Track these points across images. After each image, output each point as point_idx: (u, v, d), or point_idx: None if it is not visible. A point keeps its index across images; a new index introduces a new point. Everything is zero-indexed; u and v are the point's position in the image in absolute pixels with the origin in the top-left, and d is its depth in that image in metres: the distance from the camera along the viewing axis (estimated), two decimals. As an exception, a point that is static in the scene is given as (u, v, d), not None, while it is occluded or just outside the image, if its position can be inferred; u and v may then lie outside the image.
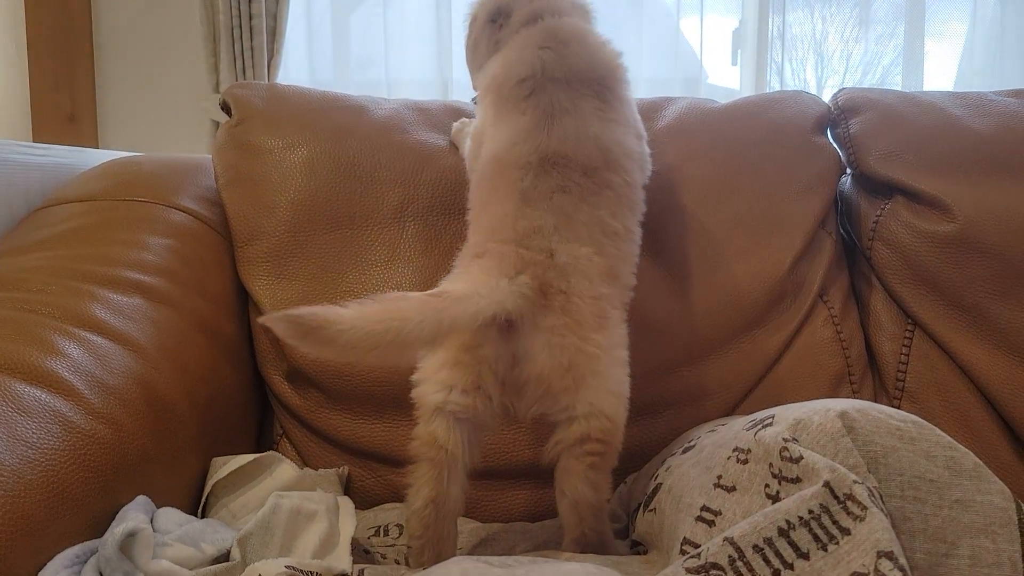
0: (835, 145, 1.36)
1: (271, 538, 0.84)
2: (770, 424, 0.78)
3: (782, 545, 0.65)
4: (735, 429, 0.83)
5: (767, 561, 0.65)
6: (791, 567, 0.65)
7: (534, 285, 0.85)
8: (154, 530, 0.81)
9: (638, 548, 0.93)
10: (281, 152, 1.24)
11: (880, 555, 0.62)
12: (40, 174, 1.28)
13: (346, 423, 1.15)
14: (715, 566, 0.66)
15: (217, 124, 2.48)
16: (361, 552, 0.97)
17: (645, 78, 2.68)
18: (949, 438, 0.74)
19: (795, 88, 2.64)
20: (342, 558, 0.86)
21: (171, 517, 0.85)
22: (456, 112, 1.34)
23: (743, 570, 0.65)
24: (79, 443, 0.81)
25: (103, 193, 1.21)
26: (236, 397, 1.14)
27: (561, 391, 0.85)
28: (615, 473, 0.89)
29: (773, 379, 1.21)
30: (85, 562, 0.75)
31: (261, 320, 0.78)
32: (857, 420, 0.73)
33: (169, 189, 1.24)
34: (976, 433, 1.18)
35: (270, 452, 1.06)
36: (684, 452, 0.91)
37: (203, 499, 0.99)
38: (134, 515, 0.80)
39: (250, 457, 1.02)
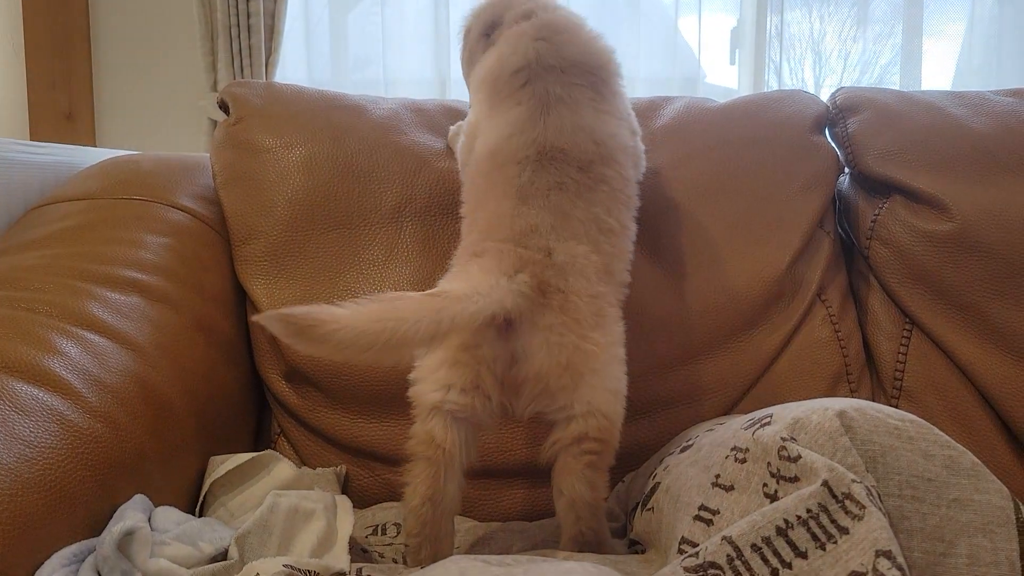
0: (833, 144, 1.36)
1: (269, 537, 0.84)
2: (768, 423, 0.78)
3: (780, 544, 0.66)
4: (733, 428, 0.83)
5: (765, 560, 0.65)
6: (789, 566, 0.65)
7: (533, 284, 0.85)
8: (152, 529, 0.81)
9: (636, 547, 0.93)
10: (279, 151, 1.23)
11: (878, 554, 0.62)
12: (38, 172, 1.27)
13: (344, 422, 1.15)
14: (713, 565, 0.66)
15: (215, 123, 2.48)
16: (359, 551, 0.97)
17: (643, 77, 2.68)
18: (947, 437, 0.74)
19: (793, 87, 2.65)
20: (340, 557, 0.86)
21: (169, 516, 0.85)
22: (453, 112, 1.34)
23: (741, 569, 0.65)
24: (77, 442, 0.81)
25: (101, 191, 1.20)
26: (234, 396, 1.14)
27: (559, 389, 0.85)
28: (613, 472, 0.89)
29: (771, 378, 1.21)
30: (83, 561, 0.75)
31: (255, 318, 0.78)
32: (855, 419, 0.73)
33: (167, 188, 1.23)
34: (974, 432, 1.18)
35: (268, 451, 1.06)
36: (682, 451, 0.91)
37: (201, 498, 0.99)
38: (132, 514, 0.80)
39: (248, 456, 1.02)
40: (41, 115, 2.61)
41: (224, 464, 1.00)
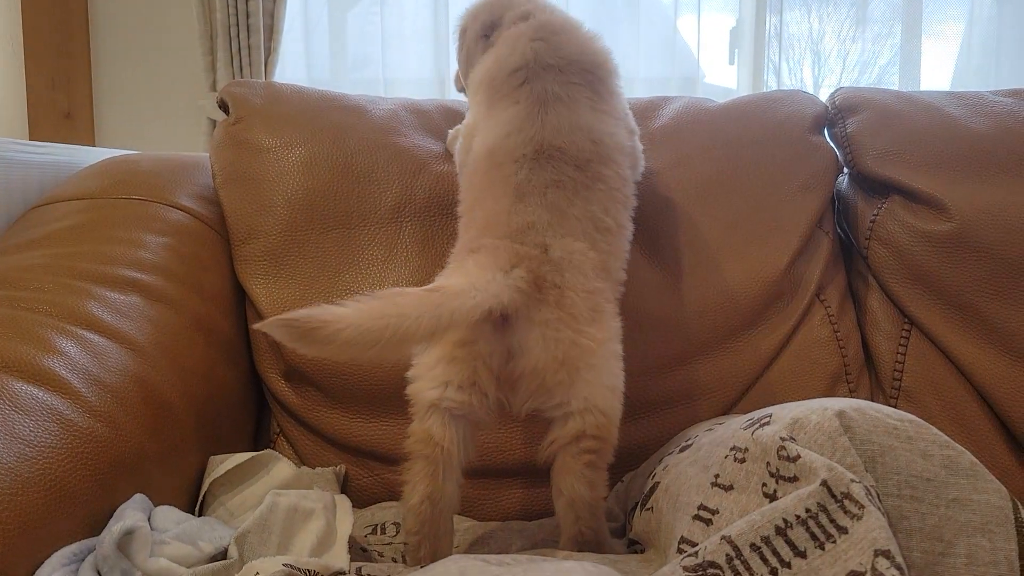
0: (832, 144, 1.36)
1: (269, 536, 0.84)
2: (768, 423, 0.78)
3: (779, 544, 0.66)
4: (732, 428, 0.84)
5: (764, 560, 0.65)
6: (788, 566, 0.65)
7: (529, 279, 0.86)
8: (152, 528, 0.81)
9: (635, 547, 0.93)
10: (279, 151, 1.24)
11: (877, 553, 0.62)
12: (38, 172, 1.27)
13: (343, 422, 1.15)
14: (713, 564, 0.66)
15: (214, 122, 2.48)
16: (358, 550, 0.97)
17: (642, 77, 2.69)
18: (946, 437, 0.74)
19: (792, 87, 2.65)
20: (339, 556, 0.86)
21: (169, 515, 0.85)
22: (452, 113, 1.34)
23: (741, 569, 0.65)
24: (76, 441, 0.81)
25: (100, 191, 1.20)
26: (233, 395, 1.14)
27: (555, 385, 0.85)
28: (612, 471, 0.89)
29: (770, 378, 1.21)
30: (83, 560, 0.75)
31: (258, 326, 0.78)
32: (854, 419, 0.73)
33: (166, 187, 1.23)
34: (972, 432, 1.18)
35: (267, 450, 1.06)
36: (681, 451, 0.91)
37: (200, 497, 0.99)
38: (132, 513, 0.80)
39: (247, 455, 1.02)
40: (40, 115, 2.61)
41: (223, 463, 1.00)
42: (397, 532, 1.02)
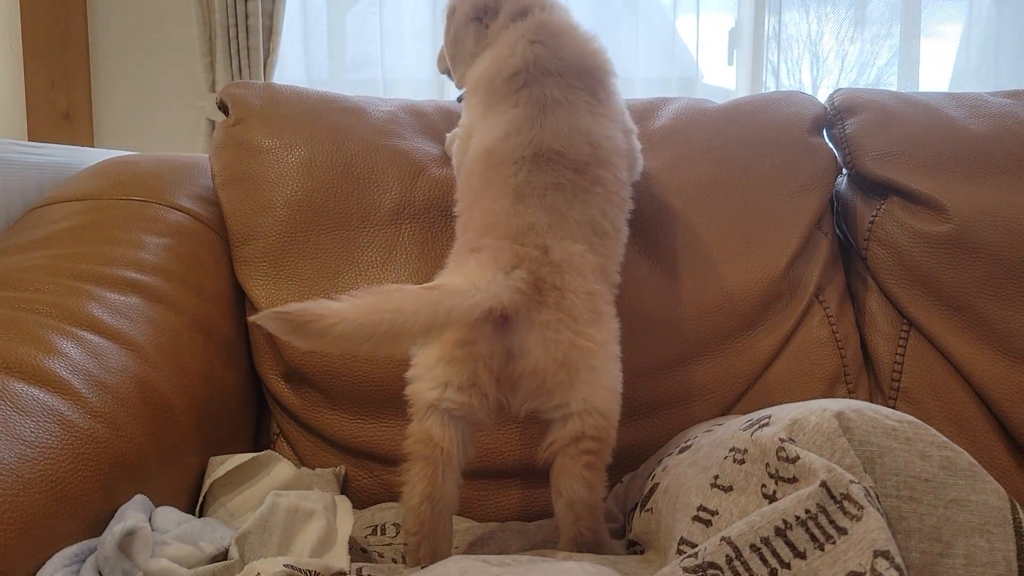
0: (831, 145, 1.36)
1: (269, 537, 0.84)
2: (767, 424, 0.78)
3: (779, 545, 0.66)
4: (732, 429, 0.84)
5: (764, 560, 0.65)
6: (788, 566, 0.65)
7: (529, 280, 0.86)
8: (153, 529, 0.81)
9: (635, 548, 0.93)
10: (278, 152, 1.24)
11: (877, 554, 0.62)
12: (37, 173, 1.27)
13: (343, 423, 1.15)
14: (712, 565, 0.66)
15: (213, 123, 2.48)
16: (358, 551, 0.97)
17: (641, 77, 2.68)
18: (944, 438, 0.74)
19: (790, 88, 2.65)
20: (340, 556, 0.86)
21: (169, 516, 0.85)
22: (451, 115, 1.34)
23: (740, 569, 0.66)
24: (77, 442, 0.81)
25: (100, 192, 1.21)
26: (233, 396, 1.14)
27: (555, 386, 0.85)
28: (611, 472, 0.89)
29: (769, 378, 1.21)
30: (84, 560, 0.75)
31: (252, 318, 0.78)
32: (853, 420, 0.73)
33: (166, 188, 1.23)
34: (971, 433, 1.18)
35: (267, 451, 1.07)
36: (681, 452, 0.91)
37: (201, 498, 0.99)
38: (133, 514, 0.80)
39: (248, 456, 1.02)
40: (39, 115, 2.61)
41: (224, 464, 1.00)
42: (397, 533, 1.02)
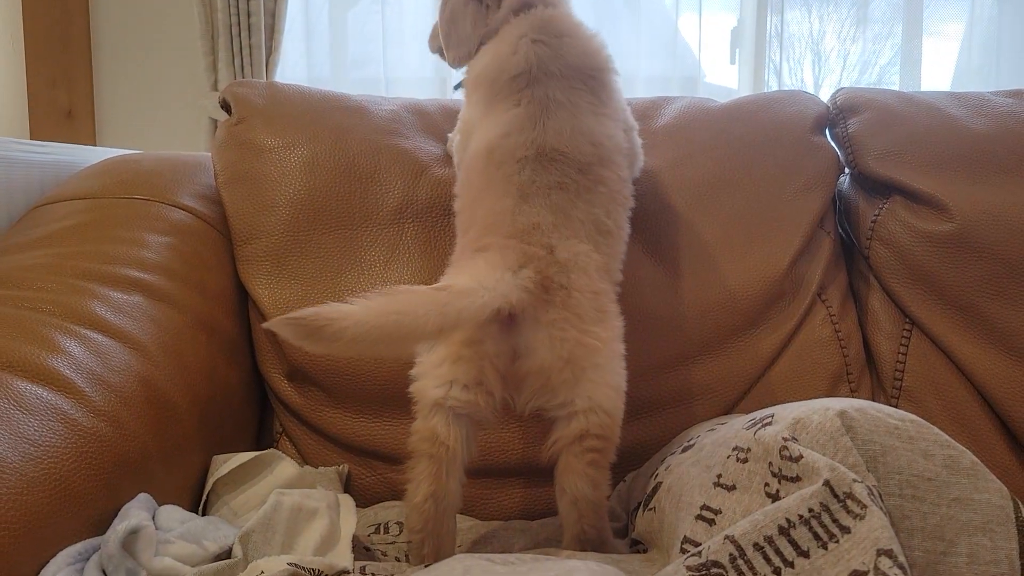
0: (834, 145, 1.36)
1: (273, 535, 0.84)
2: (769, 423, 0.79)
3: (782, 543, 0.66)
4: (735, 428, 0.84)
5: (768, 559, 0.66)
6: (791, 565, 0.65)
7: (537, 279, 0.86)
8: (156, 527, 0.81)
9: (638, 547, 0.93)
10: (281, 151, 1.24)
11: (880, 553, 0.62)
12: (39, 171, 1.28)
13: (346, 421, 1.15)
14: (716, 564, 0.66)
15: (215, 122, 2.48)
16: (362, 549, 0.97)
17: (643, 76, 2.68)
18: (947, 437, 0.74)
19: (792, 87, 2.65)
20: (343, 555, 0.86)
21: (173, 515, 0.86)
22: (454, 114, 1.34)
23: (744, 568, 0.66)
24: (81, 441, 0.81)
25: (103, 190, 1.21)
26: (236, 395, 1.14)
27: (560, 384, 0.86)
28: (614, 471, 0.89)
29: (771, 377, 1.21)
30: (88, 559, 0.75)
31: (265, 325, 0.78)
32: (856, 419, 0.73)
33: (169, 187, 1.24)
34: (973, 432, 1.18)
35: (270, 450, 1.07)
36: (683, 451, 0.91)
37: (204, 497, 0.99)
38: (136, 512, 0.80)
39: (251, 455, 1.02)
40: (41, 114, 2.60)
41: (227, 463, 1.00)
42: (400, 531, 1.02)
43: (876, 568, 0.62)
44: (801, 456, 0.71)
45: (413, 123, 1.31)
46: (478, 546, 1.02)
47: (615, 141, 0.99)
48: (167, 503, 0.89)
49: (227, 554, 0.83)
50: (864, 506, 0.65)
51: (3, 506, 0.70)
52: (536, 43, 0.99)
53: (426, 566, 0.81)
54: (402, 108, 1.34)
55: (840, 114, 1.36)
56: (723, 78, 2.79)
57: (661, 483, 0.90)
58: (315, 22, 2.75)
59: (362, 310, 0.75)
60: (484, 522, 1.10)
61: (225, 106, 1.31)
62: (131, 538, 0.76)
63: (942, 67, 2.76)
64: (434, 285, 0.83)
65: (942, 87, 2.76)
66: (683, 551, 0.76)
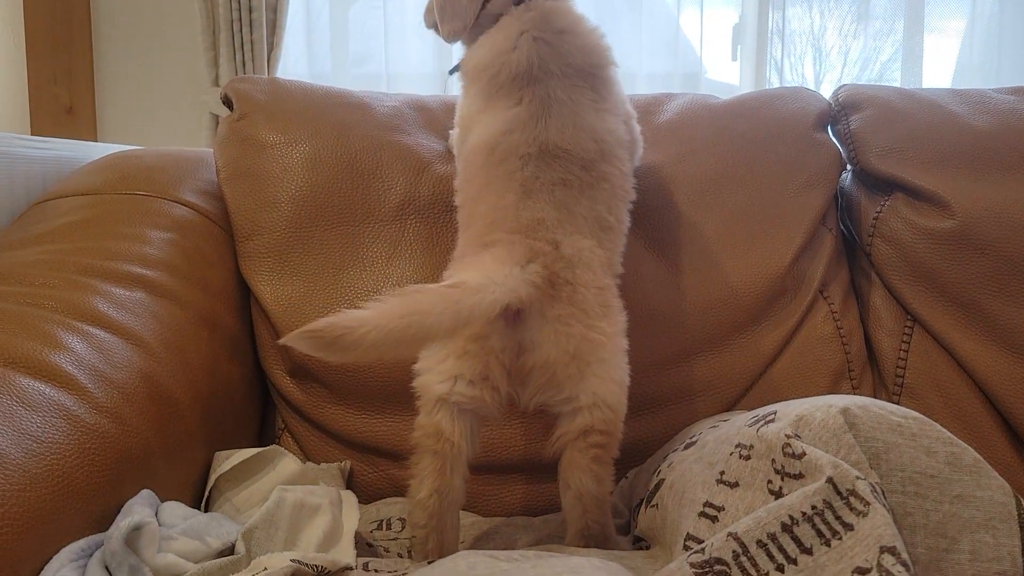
0: (835, 141, 1.36)
1: (275, 532, 0.84)
2: (772, 420, 0.79)
3: (785, 540, 0.66)
4: (737, 425, 0.84)
5: (771, 556, 0.66)
6: (795, 562, 0.65)
7: (544, 274, 0.86)
8: (159, 524, 0.81)
9: (640, 543, 0.94)
10: (283, 147, 1.24)
11: (883, 550, 0.62)
12: (40, 167, 1.27)
13: (348, 417, 1.15)
14: (719, 561, 0.66)
15: (216, 118, 2.48)
16: (364, 546, 0.97)
17: (644, 73, 2.68)
18: (949, 434, 0.74)
19: (793, 84, 2.64)
20: (346, 551, 0.86)
21: (176, 511, 0.86)
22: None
23: (747, 565, 0.66)
24: (83, 437, 0.81)
25: (104, 187, 1.21)
26: (238, 391, 1.14)
27: (565, 379, 0.86)
28: (616, 467, 0.90)
29: (773, 374, 1.22)
30: (91, 555, 0.75)
31: (282, 341, 0.78)
32: (859, 416, 0.73)
33: (170, 183, 1.23)
34: (975, 429, 1.18)
35: (273, 446, 1.07)
36: (686, 448, 0.91)
37: (206, 493, 0.99)
38: (139, 509, 0.80)
39: (253, 451, 1.02)
40: (42, 110, 2.60)
41: (229, 459, 1.00)
42: (403, 528, 1.02)
43: (879, 565, 0.62)
44: (804, 453, 0.71)
45: (415, 119, 1.31)
46: (481, 542, 1.02)
47: (616, 135, 0.99)
48: (170, 499, 0.89)
49: (230, 550, 0.83)
50: (867, 503, 0.65)
51: (6, 503, 0.70)
52: (537, 40, 0.98)
53: (429, 562, 0.81)
54: (404, 104, 1.34)
55: (842, 111, 1.36)
56: (724, 75, 2.78)
57: (664, 480, 0.90)
58: (317, 18, 2.75)
59: (377, 315, 0.75)
60: (486, 518, 1.10)
61: (227, 102, 1.31)
62: (134, 534, 0.76)
63: (943, 63, 2.76)
64: (444, 282, 0.83)
65: (943, 84, 2.75)
66: (686, 548, 0.76)
